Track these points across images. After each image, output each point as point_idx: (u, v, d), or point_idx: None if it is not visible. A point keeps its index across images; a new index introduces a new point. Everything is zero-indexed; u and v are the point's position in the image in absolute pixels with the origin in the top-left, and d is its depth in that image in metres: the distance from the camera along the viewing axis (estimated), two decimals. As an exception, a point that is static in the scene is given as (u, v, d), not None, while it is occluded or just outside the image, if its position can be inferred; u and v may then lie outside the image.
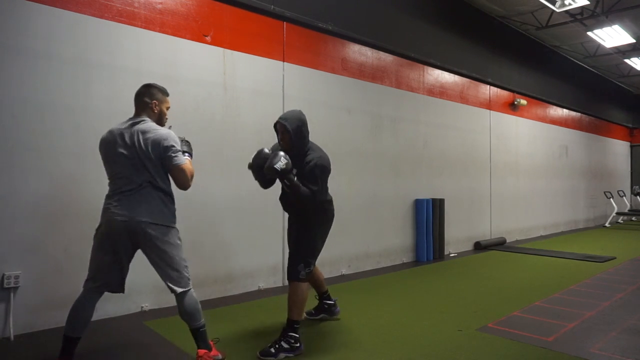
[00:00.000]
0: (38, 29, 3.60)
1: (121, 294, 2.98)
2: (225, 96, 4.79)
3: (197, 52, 4.55)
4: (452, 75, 7.82)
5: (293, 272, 3.24)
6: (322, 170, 3.30)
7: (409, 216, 6.90)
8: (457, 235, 7.80)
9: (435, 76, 7.49)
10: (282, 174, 3.07)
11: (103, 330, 3.60)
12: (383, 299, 4.66)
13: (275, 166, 3.04)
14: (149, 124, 2.82)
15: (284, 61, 5.30)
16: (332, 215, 3.58)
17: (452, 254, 7.52)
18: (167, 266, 2.82)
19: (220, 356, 2.93)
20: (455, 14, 7.89)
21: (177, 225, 2.96)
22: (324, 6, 5.67)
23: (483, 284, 5.38)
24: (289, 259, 3.35)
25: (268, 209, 5.03)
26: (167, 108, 3.02)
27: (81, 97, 3.81)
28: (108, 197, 2.81)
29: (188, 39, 4.50)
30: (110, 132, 2.81)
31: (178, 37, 4.42)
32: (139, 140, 2.73)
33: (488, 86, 8.73)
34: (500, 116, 9.09)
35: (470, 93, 8.27)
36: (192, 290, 2.89)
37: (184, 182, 2.85)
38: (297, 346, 3.14)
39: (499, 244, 8.45)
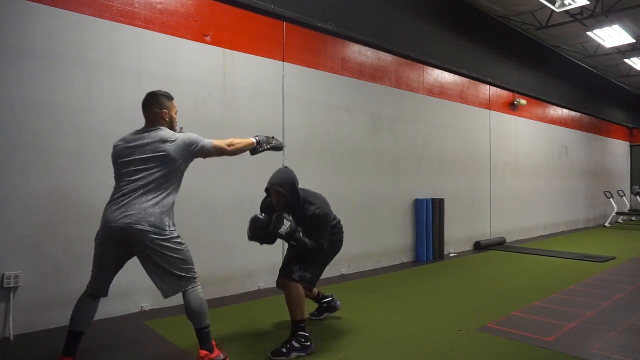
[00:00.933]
0: (38, 29, 3.60)
1: (122, 294, 2.97)
2: (226, 96, 4.79)
3: (197, 52, 4.55)
4: (452, 75, 7.82)
5: (286, 272, 3.28)
6: (325, 219, 3.31)
7: (409, 216, 6.90)
8: (457, 235, 7.80)
9: (435, 76, 7.49)
10: (289, 238, 3.15)
11: (103, 330, 3.60)
12: (383, 299, 4.66)
13: (280, 232, 3.13)
14: (164, 132, 2.87)
15: (284, 61, 5.30)
16: (342, 235, 3.59)
17: (452, 254, 7.52)
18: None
19: (222, 357, 2.90)
20: (455, 14, 7.89)
21: (177, 226, 2.95)
22: (324, 6, 5.67)
23: (483, 284, 5.38)
24: (285, 262, 3.40)
25: (268, 209, 5.03)
26: (176, 112, 3.05)
27: (81, 97, 3.81)
28: (109, 202, 2.83)
29: (188, 39, 4.50)
30: (124, 140, 2.89)
31: (178, 37, 4.42)
32: (158, 148, 2.78)
33: (488, 86, 8.73)
34: (500, 116, 9.09)
35: (470, 93, 8.27)
36: (198, 289, 2.88)
37: (224, 154, 3.11)
38: (308, 345, 3.14)
39: (499, 244, 8.45)
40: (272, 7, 5.06)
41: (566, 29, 9.45)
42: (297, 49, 5.45)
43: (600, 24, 8.79)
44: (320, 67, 5.70)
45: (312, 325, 3.73)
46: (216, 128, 4.70)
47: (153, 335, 3.50)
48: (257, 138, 3.24)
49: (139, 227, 2.68)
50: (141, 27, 4.18)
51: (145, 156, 2.79)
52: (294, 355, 3.07)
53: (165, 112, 2.94)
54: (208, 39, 4.65)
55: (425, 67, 7.27)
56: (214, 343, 2.90)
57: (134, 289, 4.07)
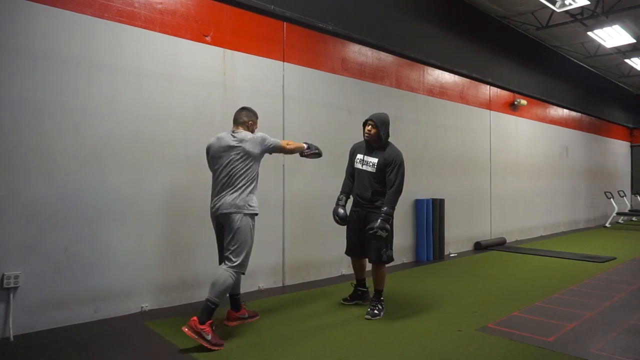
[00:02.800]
0: (38, 29, 3.60)
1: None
2: (225, 96, 4.79)
3: (197, 52, 4.55)
4: (452, 75, 7.82)
5: (378, 256, 4.02)
6: (401, 162, 4.13)
7: (409, 216, 6.90)
8: (457, 235, 7.79)
9: (435, 76, 7.49)
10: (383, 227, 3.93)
11: (103, 330, 3.60)
12: (383, 299, 4.65)
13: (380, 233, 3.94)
14: (244, 133, 3.60)
15: (284, 61, 5.30)
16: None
17: (452, 254, 7.51)
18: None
19: (209, 336, 3.12)
20: (455, 14, 7.89)
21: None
22: (324, 6, 5.66)
23: (483, 284, 5.38)
24: (373, 243, 3.99)
25: (268, 209, 5.03)
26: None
27: (81, 97, 3.81)
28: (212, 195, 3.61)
29: (188, 39, 4.50)
30: (218, 139, 3.62)
31: (178, 37, 4.42)
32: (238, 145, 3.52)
33: (488, 86, 8.72)
34: (501, 116, 9.09)
35: (470, 93, 8.27)
36: (234, 273, 3.38)
37: (289, 152, 3.93)
38: (384, 306, 4.10)
39: (499, 244, 8.45)
40: (272, 7, 5.06)
41: (566, 29, 9.45)
42: (297, 49, 5.44)
43: (600, 24, 8.79)
44: (320, 67, 5.70)
45: (310, 325, 3.74)
46: (216, 128, 4.68)
47: (153, 335, 3.50)
48: (307, 143, 3.96)
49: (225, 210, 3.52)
50: (141, 27, 4.18)
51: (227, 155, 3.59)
52: (382, 313, 4.02)
53: (251, 122, 3.73)
54: (208, 39, 4.65)
55: (426, 67, 7.26)
56: (209, 322, 3.17)
57: (134, 289, 4.07)
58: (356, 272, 4.46)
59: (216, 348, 3.15)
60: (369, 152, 4.16)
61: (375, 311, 3.98)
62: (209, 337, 3.13)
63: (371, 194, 4.08)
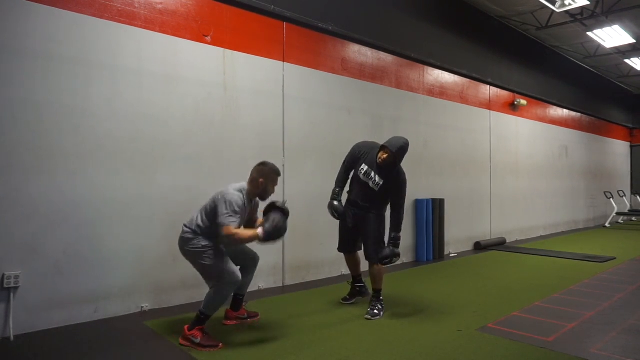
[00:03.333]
0: (38, 29, 3.60)
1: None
2: (225, 96, 4.79)
3: (197, 52, 4.55)
4: (452, 75, 7.82)
5: (373, 255, 4.03)
6: (405, 185, 4.12)
7: (409, 216, 6.89)
8: (457, 235, 7.79)
9: (435, 76, 7.49)
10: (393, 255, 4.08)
11: (103, 330, 3.60)
12: (383, 298, 4.65)
13: (386, 256, 4.08)
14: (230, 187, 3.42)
15: (284, 61, 5.30)
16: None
17: (452, 254, 7.51)
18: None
19: (198, 339, 3.18)
20: (455, 14, 7.89)
21: (178, 226, 2.97)
22: (324, 6, 5.67)
23: (483, 284, 5.38)
24: (369, 243, 4.06)
25: (268, 209, 5.03)
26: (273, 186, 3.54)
27: (81, 97, 3.81)
28: None
29: (188, 39, 4.49)
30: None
31: (178, 37, 4.42)
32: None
33: (488, 86, 8.72)
34: (500, 116, 9.09)
35: (470, 93, 8.27)
36: (219, 288, 3.29)
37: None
38: (384, 306, 4.11)
39: (499, 244, 8.45)
40: (272, 7, 5.06)
41: (566, 29, 9.45)
42: (297, 49, 5.44)
43: (600, 24, 8.79)
44: (320, 67, 5.70)
45: (311, 325, 3.74)
46: (216, 128, 4.70)
47: (153, 335, 3.50)
48: (262, 232, 3.30)
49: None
50: (141, 27, 4.18)
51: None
52: (382, 313, 4.01)
53: (261, 181, 3.43)
54: (208, 39, 4.65)
55: (425, 67, 7.26)
56: (198, 328, 3.22)
57: (134, 289, 4.07)
58: (351, 268, 4.48)
59: (208, 349, 3.15)
60: (377, 170, 4.00)
61: (375, 311, 4.00)
62: (198, 340, 3.18)
63: (370, 203, 4.08)
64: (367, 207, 4.09)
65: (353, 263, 4.45)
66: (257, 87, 5.04)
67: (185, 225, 3.41)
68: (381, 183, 3.98)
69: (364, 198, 4.10)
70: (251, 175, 3.48)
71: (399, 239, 4.01)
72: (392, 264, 4.24)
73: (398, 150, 3.93)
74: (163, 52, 4.32)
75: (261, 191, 3.47)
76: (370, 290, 4.23)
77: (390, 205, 4.08)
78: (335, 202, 4.19)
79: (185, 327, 3.26)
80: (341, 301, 4.44)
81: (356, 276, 4.48)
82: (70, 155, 3.74)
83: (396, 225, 4.00)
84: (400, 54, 6.74)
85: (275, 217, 3.32)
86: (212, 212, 3.31)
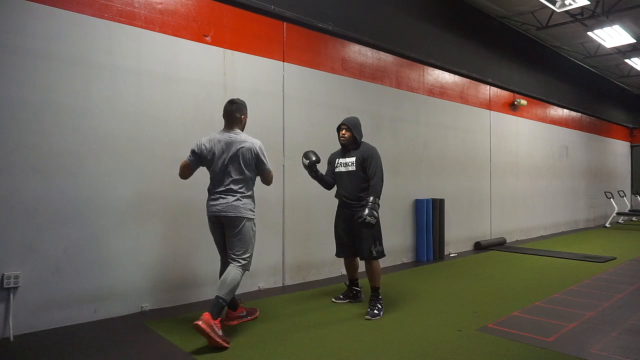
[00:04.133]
0: (38, 29, 3.60)
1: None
2: (225, 96, 4.77)
3: (197, 52, 4.56)
4: (452, 75, 7.82)
5: (368, 252, 4.06)
6: (375, 152, 4.23)
7: (409, 216, 6.90)
8: (457, 235, 7.80)
9: (435, 76, 7.49)
10: (311, 165, 4.24)
11: (103, 330, 3.60)
12: (383, 298, 4.65)
13: (309, 158, 4.19)
14: (243, 135, 3.57)
15: (284, 61, 5.30)
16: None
17: (452, 254, 7.51)
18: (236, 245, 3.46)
19: (219, 330, 3.16)
20: (455, 14, 7.89)
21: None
22: (324, 6, 5.66)
23: (483, 284, 5.38)
24: (363, 242, 4.05)
25: (268, 209, 5.03)
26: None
27: (81, 97, 3.81)
28: (208, 192, 3.58)
29: (188, 39, 4.50)
30: (210, 140, 3.54)
31: (178, 37, 4.42)
32: (237, 149, 3.48)
33: (488, 86, 8.72)
34: (500, 116, 9.09)
35: (470, 93, 8.27)
36: (243, 271, 3.44)
37: (269, 182, 3.76)
38: (383, 305, 4.13)
39: (499, 244, 8.45)
40: (272, 7, 5.06)
41: (566, 29, 9.45)
42: (297, 49, 5.44)
43: (600, 24, 8.79)
44: (320, 67, 5.70)
45: (311, 325, 3.74)
46: (216, 128, 4.67)
47: (153, 335, 3.50)
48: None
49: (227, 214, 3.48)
50: (141, 27, 4.18)
51: (225, 157, 3.50)
52: (382, 313, 4.02)
53: (244, 117, 3.65)
54: (208, 39, 4.65)
55: (425, 67, 7.26)
56: (220, 319, 3.23)
57: (134, 289, 4.07)
58: (349, 272, 4.51)
59: (225, 344, 3.16)
60: (346, 154, 4.27)
61: (375, 311, 4.01)
62: (220, 333, 3.18)
63: (358, 192, 4.13)
64: (357, 199, 4.13)
65: (352, 267, 4.48)
66: (257, 87, 5.04)
67: (219, 192, 3.48)
68: (354, 159, 4.17)
69: (349, 189, 4.18)
70: (232, 117, 3.59)
71: (376, 202, 3.98)
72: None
73: (351, 123, 4.24)
74: (163, 52, 4.32)
75: (244, 127, 3.71)
76: (368, 290, 4.24)
77: (368, 176, 4.11)
78: (312, 155, 4.24)
79: (208, 314, 3.14)
80: (333, 299, 4.48)
81: (353, 279, 4.51)
82: (70, 155, 3.74)
83: (374, 191, 4.03)
84: (400, 54, 6.74)
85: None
86: (249, 165, 3.50)
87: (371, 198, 3.98)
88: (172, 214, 4.33)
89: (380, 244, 4.13)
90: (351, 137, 4.23)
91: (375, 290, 4.13)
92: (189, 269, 4.46)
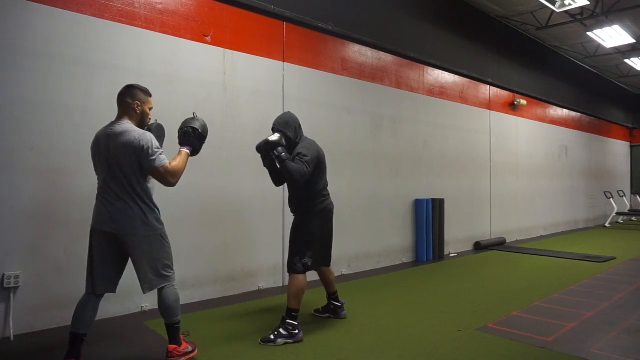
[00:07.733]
0: (38, 29, 3.60)
1: (122, 294, 2.99)
2: (225, 96, 4.79)
3: (197, 52, 4.55)
4: (452, 75, 7.82)
5: (290, 265, 3.49)
6: (307, 149, 3.46)
7: (409, 216, 6.90)
8: (457, 235, 7.80)
9: (435, 76, 7.49)
10: (272, 145, 3.32)
11: (103, 330, 3.60)
12: (383, 299, 4.66)
13: (269, 138, 3.34)
14: (125, 125, 2.85)
15: (284, 61, 5.30)
16: (330, 208, 3.74)
17: (452, 254, 7.52)
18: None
19: (190, 349, 3.01)
20: (455, 14, 7.89)
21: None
22: (324, 6, 5.67)
23: (483, 284, 5.38)
24: (289, 252, 3.60)
25: (268, 209, 5.03)
26: (150, 109, 3.05)
27: (81, 97, 3.81)
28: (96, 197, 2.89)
29: (188, 39, 4.50)
30: (96, 135, 2.91)
31: (178, 37, 4.42)
32: (112, 144, 2.78)
33: (488, 86, 8.73)
34: (500, 116, 9.10)
35: (470, 93, 8.27)
36: (173, 286, 3.03)
37: (166, 182, 2.93)
38: (295, 333, 3.33)
39: (499, 244, 8.45)
40: (272, 7, 5.06)
41: (566, 29, 9.46)
42: (297, 49, 5.45)
43: (600, 24, 8.80)
44: (320, 67, 5.70)
45: (311, 325, 3.73)
46: (216, 127, 4.69)
47: (153, 335, 3.50)
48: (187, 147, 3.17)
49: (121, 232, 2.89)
50: (141, 27, 4.18)
51: (105, 155, 2.84)
52: (281, 341, 3.27)
53: (137, 103, 2.94)
54: (208, 39, 4.65)
55: (425, 67, 7.27)
56: (181, 337, 2.99)
57: (134, 289, 4.06)
58: (324, 285, 3.99)
59: (193, 354, 3.02)
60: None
61: (272, 336, 3.28)
62: (190, 349, 3.01)
63: (297, 201, 3.63)
64: (294, 211, 3.70)
65: (323, 279, 3.95)
66: (257, 87, 5.04)
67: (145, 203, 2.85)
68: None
69: (290, 196, 3.70)
70: (123, 104, 2.93)
71: (282, 157, 3.31)
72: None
73: (282, 122, 3.55)
74: (163, 52, 4.32)
75: (140, 116, 2.96)
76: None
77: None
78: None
79: (172, 347, 2.90)
80: (314, 312, 4.06)
81: (331, 293, 3.98)
82: (70, 155, 3.74)
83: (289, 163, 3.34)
84: (400, 54, 6.75)
85: (185, 127, 3.16)
86: (130, 166, 2.76)
87: (283, 154, 3.31)
88: (172, 214, 4.32)
89: (309, 255, 3.47)
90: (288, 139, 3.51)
91: (287, 311, 3.39)
92: (189, 269, 4.45)
